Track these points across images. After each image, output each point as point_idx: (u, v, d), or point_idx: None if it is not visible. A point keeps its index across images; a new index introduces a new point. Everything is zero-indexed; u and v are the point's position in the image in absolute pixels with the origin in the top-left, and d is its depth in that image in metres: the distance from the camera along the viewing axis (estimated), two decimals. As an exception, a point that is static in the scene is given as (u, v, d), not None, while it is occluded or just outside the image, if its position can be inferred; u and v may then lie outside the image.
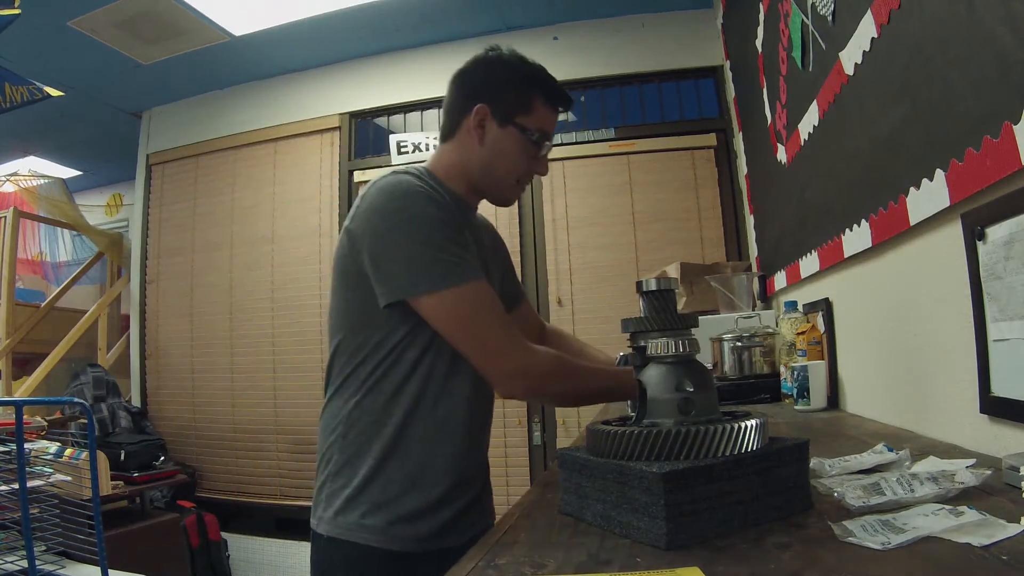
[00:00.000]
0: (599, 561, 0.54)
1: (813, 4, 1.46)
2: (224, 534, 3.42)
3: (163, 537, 3.02)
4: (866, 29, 1.16)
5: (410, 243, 0.94)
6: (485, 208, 1.20)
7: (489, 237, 1.22)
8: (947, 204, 0.93)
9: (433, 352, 1.00)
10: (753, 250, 2.87)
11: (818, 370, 1.53)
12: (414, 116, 3.60)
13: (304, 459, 3.39)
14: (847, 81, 1.30)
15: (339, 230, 1.72)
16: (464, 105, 1.07)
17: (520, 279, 3.37)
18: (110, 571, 2.03)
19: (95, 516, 2.03)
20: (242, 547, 3.46)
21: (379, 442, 0.99)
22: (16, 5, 2.34)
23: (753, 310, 2.20)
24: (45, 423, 2.68)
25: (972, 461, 0.75)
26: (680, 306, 2.42)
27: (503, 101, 1.05)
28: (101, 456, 2.51)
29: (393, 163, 3.41)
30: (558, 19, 3.39)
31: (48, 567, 2.12)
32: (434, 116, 3.57)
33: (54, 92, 2.63)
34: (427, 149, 3.47)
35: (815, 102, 1.54)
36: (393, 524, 0.97)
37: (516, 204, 3.33)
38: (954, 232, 0.93)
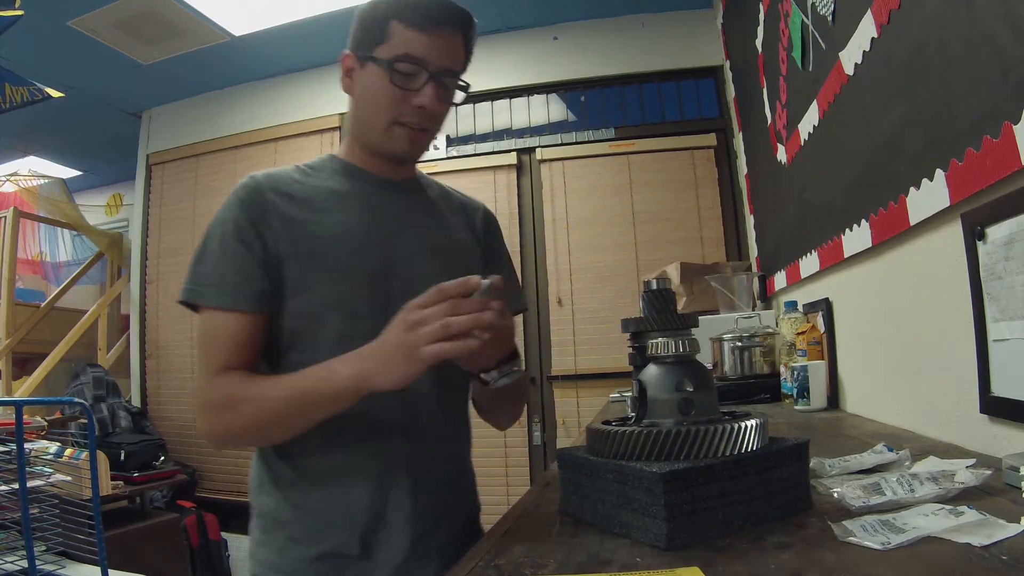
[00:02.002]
0: (599, 561, 0.54)
1: (813, 4, 1.46)
2: (224, 534, 3.42)
3: (163, 537, 3.02)
4: (866, 29, 1.16)
5: (196, 251, 0.91)
6: (490, 204, 1.14)
7: (423, 205, 1.02)
8: (947, 204, 0.93)
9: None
10: (753, 250, 2.87)
11: (818, 370, 1.53)
12: (414, 116, 3.59)
13: (304, 459, 3.39)
14: (847, 81, 1.30)
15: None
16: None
17: (520, 279, 3.39)
18: (110, 571, 2.03)
19: (95, 516, 2.03)
20: (242, 547, 3.46)
21: None
22: (17, 6, 2.34)
23: (753, 310, 2.20)
24: (45, 423, 2.68)
25: (972, 461, 0.75)
26: (680, 306, 2.42)
27: (362, 40, 0.91)
28: (101, 456, 2.51)
29: (393, 163, 3.41)
30: (558, 19, 3.39)
31: (48, 567, 2.12)
32: (434, 116, 3.57)
33: (54, 93, 2.63)
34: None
35: (815, 102, 1.54)
36: None
37: (516, 204, 3.35)
38: (954, 232, 0.93)
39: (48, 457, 2.38)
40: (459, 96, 0.95)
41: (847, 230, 1.40)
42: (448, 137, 3.51)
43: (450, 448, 0.98)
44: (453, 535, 0.94)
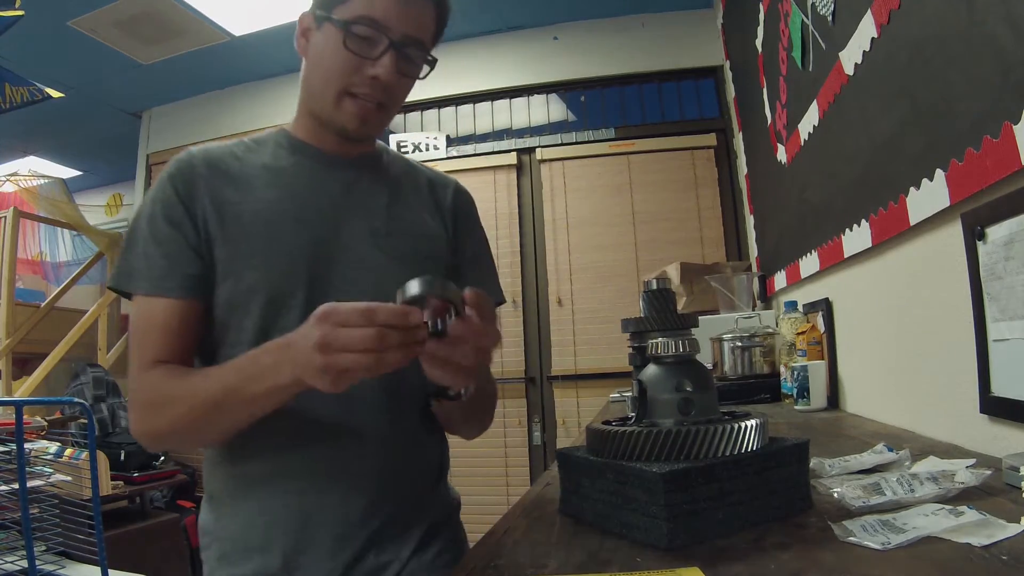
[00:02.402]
0: (599, 561, 0.54)
1: (813, 4, 1.46)
2: (224, 534, 3.41)
3: (163, 537, 3.02)
4: (866, 29, 1.16)
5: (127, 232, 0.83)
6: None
7: (378, 183, 0.91)
8: (947, 204, 0.93)
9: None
10: (753, 250, 2.87)
11: (818, 370, 1.53)
12: (414, 116, 3.60)
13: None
14: (847, 81, 1.30)
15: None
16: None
17: (520, 279, 3.41)
18: (110, 571, 2.03)
19: (95, 516, 2.03)
20: (242, 547, 3.46)
21: None
22: (17, 6, 2.34)
23: (753, 310, 2.20)
24: (45, 423, 2.68)
25: (972, 461, 0.75)
26: (680, 306, 2.42)
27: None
28: (101, 456, 2.51)
29: (393, 163, 3.41)
30: (558, 19, 3.39)
31: (48, 567, 2.12)
32: (434, 116, 3.57)
33: (54, 93, 2.63)
34: (427, 149, 3.47)
35: (815, 102, 1.54)
36: None
37: (516, 204, 3.35)
38: (954, 232, 0.93)
39: (48, 457, 2.38)
40: (424, 71, 0.84)
41: (847, 230, 1.40)
42: (448, 137, 3.51)
43: (404, 456, 0.84)
44: (401, 561, 0.81)
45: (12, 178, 4.53)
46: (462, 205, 0.99)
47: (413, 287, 0.60)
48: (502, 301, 1.00)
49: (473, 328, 0.63)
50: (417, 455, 0.87)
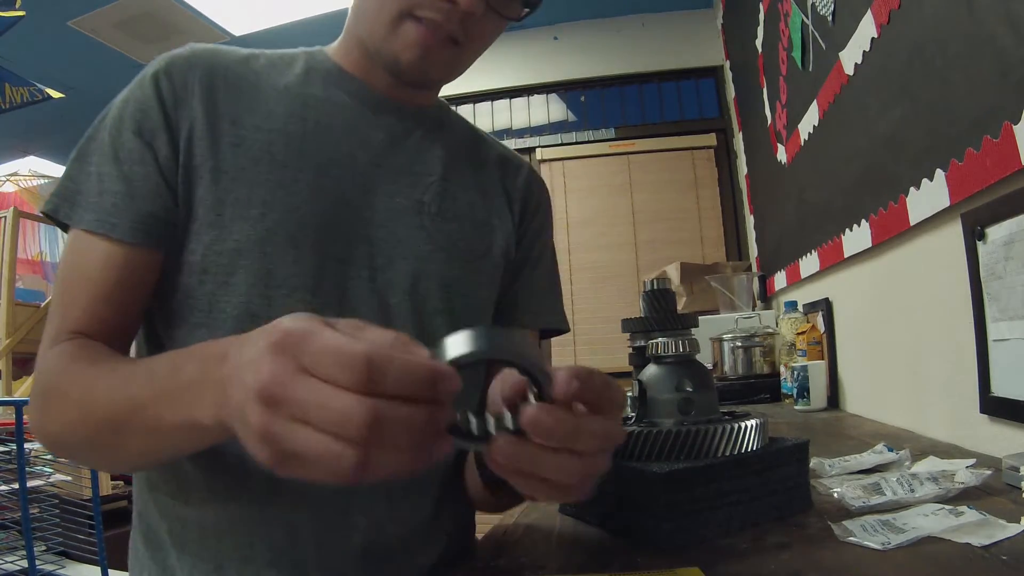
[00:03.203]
0: (599, 561, 0.54)
1: (813, 4, 1.46)
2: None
3: (163, 537, 3.01)
4: (866, 29, 1.16)
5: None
6: None
7: (435, 146, 0.69)
8: (947, 204, 0.93)
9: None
10: (753, 250, 2.87)
11: (818, 370, 1.53)
12: (414, 116, 3.60)
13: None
14: (847, 81, 1.30)
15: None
16: None
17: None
18: (110, 571, 2.03)
19: (95, 516, 2.03)
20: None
21: None
22: (18, 6, 2.34)
23: (753, 310, 2.20)
24: (45, 423, 2.68)
25: (972, 461, 0.75)
26: (680, 306, 2.42)
27: None
28: (101, 456, 2.51)
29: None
30: (558, 19, 3.39)
31: (48, 567, 2.12)
32: (434, 116, 3.57)
33: (55, 93, 2.63)
34: (427, 149, 3.47)
35: (815, 102, 1.54)
36: None
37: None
38: (954, 232, 0.93)
39: (48, 457, 2.38)
40: (515, 10, 0.62)
41: (847, 230, 1.40)
42: (448, 137, 3.51)
43: (395, 518, 0.62)
44: None
45: (12, 178, 4.53)
46: (537, 193, 0.78)
47: (460, 344, 0.34)
48: (566, 329, 0.78)
49: (569, 424, 0.36)
50: (420, 506, 0.65)
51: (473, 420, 0.37)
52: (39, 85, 2.63)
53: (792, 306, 1.83)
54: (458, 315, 0.66)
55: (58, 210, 0.58)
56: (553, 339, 0.79)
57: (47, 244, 5.13)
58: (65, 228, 0.59)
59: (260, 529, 0.58)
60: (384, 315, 0.62)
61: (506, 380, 0.40)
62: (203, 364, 0.40)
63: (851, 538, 0.51)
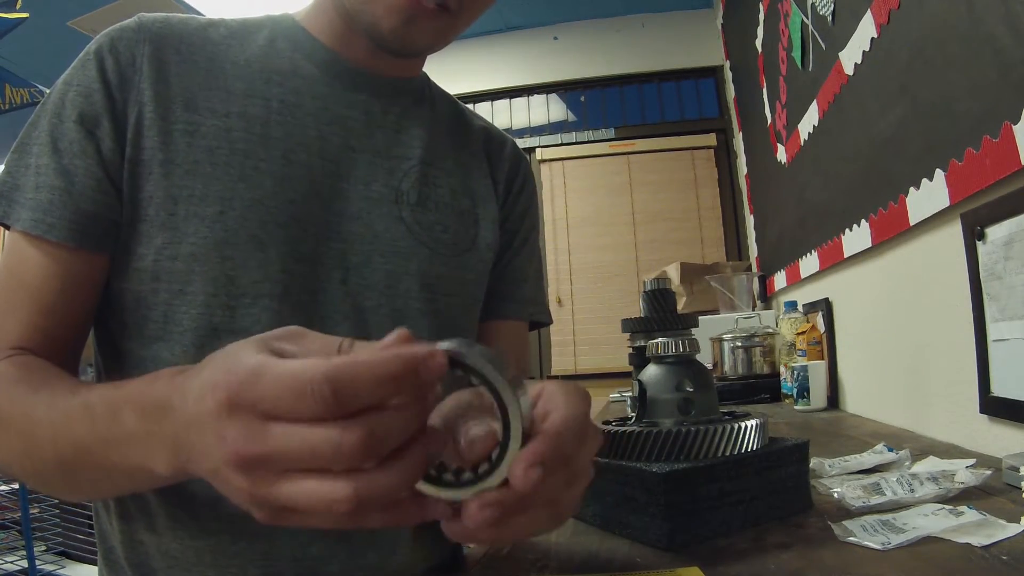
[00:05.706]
0: (599, 561, 0.54)
1: (813, 4, 1.46)
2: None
3: (163, 537, 3.02)
4: (866, 29, 1.16)
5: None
6: None
7: (417, 123, 0.63)
8: (947, 204, 0.93)
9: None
10: (753, 250, 2.87)
11: (818, 370, 1.53)
12: (414, 116, 3.60)
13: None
14: (847, 81, 1.30)
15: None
16: None
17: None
18: (110, 571, 2.03)
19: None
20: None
21: None
22: (19, 7, 2.34)
23: (753, 310, 2.20)
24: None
25: (972, 461, 0.75)
26: (680, 306, 2.42)
27: None
28: (101, 456, 2.51)
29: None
30: (558, 19, 3.39)
31: (48, 567, 2.12)
32: (434, 116, 3.57)
33: (54, 93, 2.63)
34: (427, 149, 3.47)
35: (815, 102, 1.54)
36: None
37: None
38: (954, 232, 0.93)
39: (48, 457, 2.38)
40: None
41: (847, 230, 1.40)
42: (448, 137, 3.51)
43: (376, 544, 0.57)
44: None
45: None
46: (522, 171, 0.72)
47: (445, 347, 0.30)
48: (548, 322, 0.74)
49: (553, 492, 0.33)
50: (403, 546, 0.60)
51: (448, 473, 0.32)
52: (39, 86, 2.63)
53: (792, 306, 1.83)
54: (443, 317, 0.61)
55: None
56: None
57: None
58: (7, 228, 0.53)
59: (234, 562, 0.52)
60: (359, 321, 0.56)
61: (461, 404, 0.34)
62: (142, 415, 0.36)
63: (851, 538, 0.51)
